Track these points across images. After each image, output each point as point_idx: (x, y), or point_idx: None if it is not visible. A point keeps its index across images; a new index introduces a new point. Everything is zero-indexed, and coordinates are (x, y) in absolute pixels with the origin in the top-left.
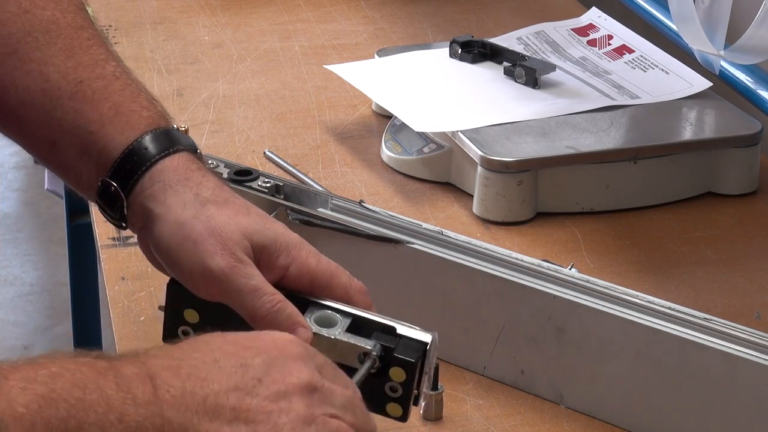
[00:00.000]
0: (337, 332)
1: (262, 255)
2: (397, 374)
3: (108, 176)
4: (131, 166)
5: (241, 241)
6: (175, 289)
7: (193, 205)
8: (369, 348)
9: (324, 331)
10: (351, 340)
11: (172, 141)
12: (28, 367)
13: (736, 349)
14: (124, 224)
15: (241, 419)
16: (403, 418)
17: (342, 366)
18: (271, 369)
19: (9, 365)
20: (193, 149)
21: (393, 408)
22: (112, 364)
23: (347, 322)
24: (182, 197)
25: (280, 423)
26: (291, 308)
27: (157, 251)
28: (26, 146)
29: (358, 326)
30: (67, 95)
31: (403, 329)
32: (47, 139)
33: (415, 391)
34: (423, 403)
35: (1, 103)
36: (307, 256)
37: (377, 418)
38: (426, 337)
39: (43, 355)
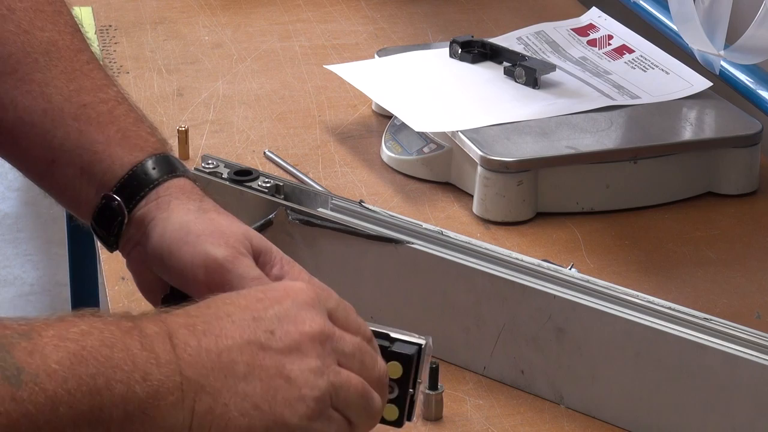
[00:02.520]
0: None
1: (258, 260)
2: (394, 370)
3: (112, 192)
4: (139, 183)
5: (243, 240)
6: (169, 305)
7: (196, 212)
8: None
9: None
10: None
11: (176, 166)
12: (60, 324)
13: (736, 349)
14: (115, 245)
15: (255, 374)
16: (399, 422)
17: None
18: (283, 320)
19: (42, 322)
20: (193, 178)
21: (389, 411)
22: (136, 324)
23: None
24: (186, 205)
25: (293, 376)
26: None
27: (155, 251)
28: (20, 164)
29: None
30: (71, 116)
31: (396, 335)
32: (45, 158)
33: (411, 391)
34: (416, 420)
35: None
36: (300, 272)
37: None
38: (420, 339)
39: (72, 313)
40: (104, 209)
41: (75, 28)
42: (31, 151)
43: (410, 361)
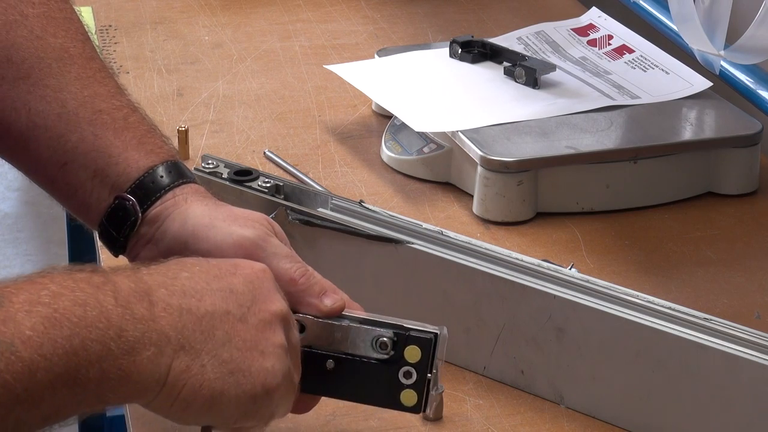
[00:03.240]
0: (350, 322)
1: None
2: (412, 354)
3: (126, 192)
4: (154, 185)
5: (266, 224)
6: None
7: (214, 205)
8: (383, 331)
9: (337, 321)
10: (365, 326)
11: (187, 174)
12: (30, 287)
13: (736, 349)
14: (123, 248)
15: (233, 344)
16: (417, 407)
17: (353, 358)
18: (256, 297)
19: (12, 287)
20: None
21: (407, 396)
22: (108, 279)
23: (356, 322)
24: (203, 201)
25: (268, 351)
26: (320, 275)
27: (178, 240)
28: (29, 167)
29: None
30: (86, 121)
31: (411, 324)
32: (57, 161)
33: (429, 375)
34: (429, 411)
35: (10, 125)
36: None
37: (374, 420)
38: (435, 328)
39: (40, 272)
40: (117, 209)
41: (86, 36)
42: (42, 154)
43: (429, 344)
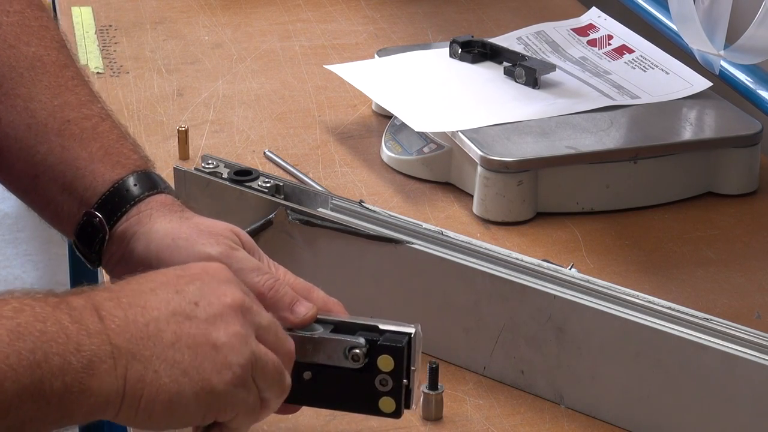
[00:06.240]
0: (321, 332)
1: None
2: (385, 363)
3: (93, 208)
4: (120, 200)
5: (231, 236)
6: None
7: (179, 220)
8: (355, 341)
9: (308, 333)
10: (336, 336)
11: (157, 183)
12: None
13: (736, 349)
14: (98, 261)
15: (182, 342)
16: (397, 413)
17: (329, 367)
18: (205, 292)
19: None
20: (175, 194)
21: (386, 403)
22: (62, 299)
23: (330, 328)
24: (167, 216)
25: (220, 343)
26: (292, 279)
27: (143, 262)
28: (4, 178)
29: (341, 331)
30: (54, 132)
31: (385, 326)
32: (28, 173)
33: (405, 381)
34: (415, 407)
35: None
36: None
37: (374, 420)
38: (409, 328)
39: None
40: (85, 226)
41: (61, 44)
42: (15, 166)
43: (401, 352)
